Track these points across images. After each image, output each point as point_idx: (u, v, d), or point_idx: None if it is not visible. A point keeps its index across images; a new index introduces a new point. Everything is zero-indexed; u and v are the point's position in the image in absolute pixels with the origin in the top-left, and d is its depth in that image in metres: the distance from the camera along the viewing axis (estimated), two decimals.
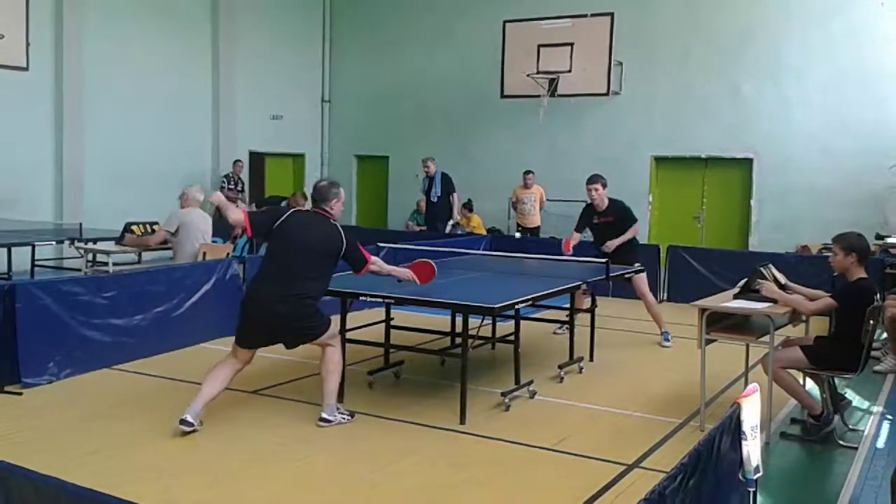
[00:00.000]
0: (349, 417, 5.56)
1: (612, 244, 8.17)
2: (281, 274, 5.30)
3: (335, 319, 5.71)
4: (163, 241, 9.27)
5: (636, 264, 8.18)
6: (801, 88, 13.88)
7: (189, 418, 5.12)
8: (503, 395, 6.03)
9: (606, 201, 8.38)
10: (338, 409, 5.54)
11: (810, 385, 5.81)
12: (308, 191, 10.64)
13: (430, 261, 6.24)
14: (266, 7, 16.99)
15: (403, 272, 5.96)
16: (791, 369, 5.43)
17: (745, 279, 5.78)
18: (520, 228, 14.07)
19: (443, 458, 4.95)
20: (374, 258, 5.75)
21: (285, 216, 5.52)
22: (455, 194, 13.52)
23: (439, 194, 13.22)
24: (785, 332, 6.04)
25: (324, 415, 5.45)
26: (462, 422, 5.56)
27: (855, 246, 5.36)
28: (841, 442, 5.35)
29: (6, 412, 5.66)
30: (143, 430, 5.26)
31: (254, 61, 16.53)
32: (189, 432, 5.11)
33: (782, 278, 5.75)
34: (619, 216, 8.35)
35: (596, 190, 8.28)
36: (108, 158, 13.80)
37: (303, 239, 5.37)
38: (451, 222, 13.57)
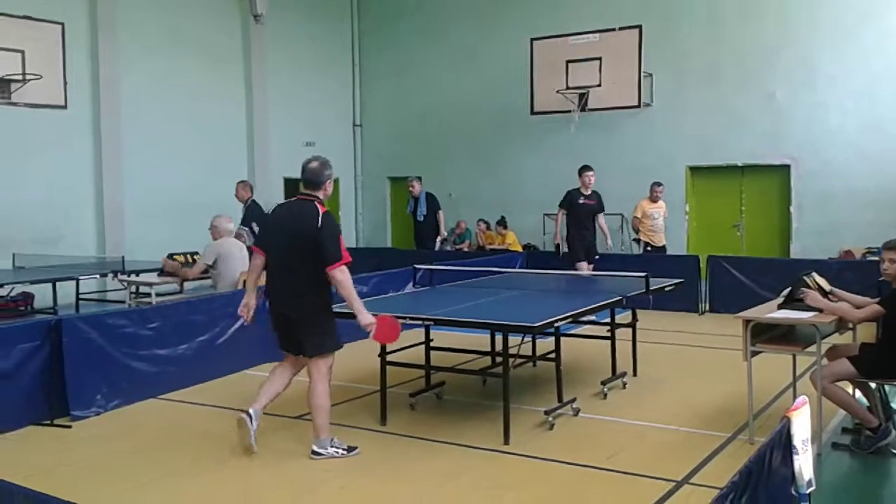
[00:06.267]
0: (345, 451, 5.35)
1: None
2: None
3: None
4: (203, 272, 9.38)
5: None
6: (836, 94, 13.72)
7: (251, 411, 5.28)
8: (546, 413, 5.99)
9: None
10: (331, 442, 5.36)
11: (859, 395, 5.68)
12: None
13: (393, 320, 5.35)
14: (296, 36, 17.25)
15: (365, 318, 5.24)
16: (841, 382, 5.31)
17: (789, 288, 5.68)
18: (648, 248, 12.66)
19: (487, 480, 4.92)
20: (346, 277, 5.15)
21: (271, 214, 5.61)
22: (440, 212, 13.46)
23: (425, 213, 13.28)
24: (831, 339, 5.92)
25: (315, 447, 5.33)
26: (506, 442, 5.52)
27: None
28: (895, 452, 5.22)
29: (56, 445, 5.76)
30: (191, 460, 5.31)
31: (286, 90, 16.78)
32: (245, 421, 5.23)
33: (826, 285, 5.64)
34: None
35: None
36: (147, 192, 14.07)
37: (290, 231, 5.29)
38: (439, 239, 13.54)
